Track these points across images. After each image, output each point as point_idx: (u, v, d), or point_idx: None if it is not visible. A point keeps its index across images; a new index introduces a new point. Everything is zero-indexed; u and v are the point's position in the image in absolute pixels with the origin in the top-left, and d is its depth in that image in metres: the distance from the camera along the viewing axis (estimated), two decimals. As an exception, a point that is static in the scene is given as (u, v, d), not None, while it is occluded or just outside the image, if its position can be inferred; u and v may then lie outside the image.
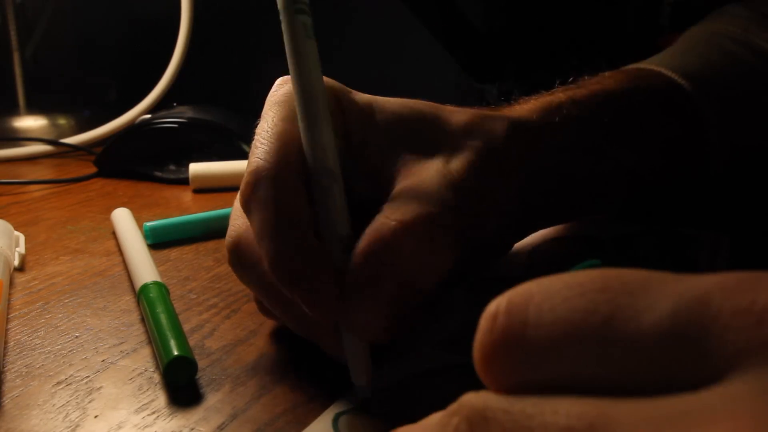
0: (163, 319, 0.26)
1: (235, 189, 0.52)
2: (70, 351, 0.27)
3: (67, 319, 0.29)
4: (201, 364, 0.25)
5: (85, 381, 0.24)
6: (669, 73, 0.35)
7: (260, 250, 0.23)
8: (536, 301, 0.12)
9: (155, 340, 0.25)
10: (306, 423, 0.22)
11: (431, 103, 0.29)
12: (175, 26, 0.70)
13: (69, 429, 0.22)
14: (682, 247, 0.35)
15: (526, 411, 0.12)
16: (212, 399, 0.23)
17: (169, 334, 0.25)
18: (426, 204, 0.24)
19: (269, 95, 0.27)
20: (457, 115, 0.28)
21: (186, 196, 0.51)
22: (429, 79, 0.81)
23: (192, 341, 0.27)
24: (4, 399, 0.23)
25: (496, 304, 0.13)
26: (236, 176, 0.53)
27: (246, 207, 0.24)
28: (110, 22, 0.91)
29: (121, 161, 0.57)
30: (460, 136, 0.27)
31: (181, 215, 0.41)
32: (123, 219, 0.40)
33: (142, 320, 0.29)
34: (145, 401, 0.23)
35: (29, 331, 0.28)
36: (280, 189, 0.23)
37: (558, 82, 0.34)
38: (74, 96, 0.83)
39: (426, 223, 0.23)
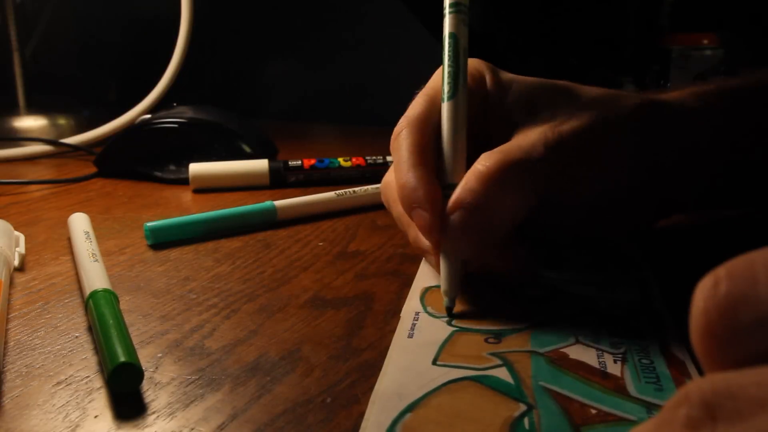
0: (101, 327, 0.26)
1: (235, 189, 0.52)
2: (70, 351, 0.27)
3: (67, 319, 0.29)
4: (201, 364, 0.25)
5: (85, 381, 0.24)
6: None
7: (395, 182, 0.30)
8: (762, 262, 0.12)
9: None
10: (306, 423, 0.22)
11: (571, 83, 0.33)
12: (175, 26, 0.70)
13: (69, 429, 0.22)
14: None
15: None
16: (212, 399, 0.23)
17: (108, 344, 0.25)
18: (512, 153, 0.29)
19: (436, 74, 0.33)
20: (593, 90, 0.33)
21: (186, 196, 0.51)
22: (429, 79, 0.81)
23: (192, 341, 0.27)
24: (4, 399, 0.23)
25: (713, 274, 0.12)
26: (236, 176, 0.53)
27: (391, 146, 0.31)
28: (110, 22, 0.91)
29: (121, 161, 0.57)
30: (583, 106, 0.31)
31: (181, 215, 0.41)
32: (78, 225, 0.39)
33: (142, 318, 0.29)
34: (145, 401, 0.23)
35: (29, 331, 0.28)
36: (415, 135, 0.30)
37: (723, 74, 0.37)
38: (74, 96, 0.83)
39: (506, 167, 0.28)
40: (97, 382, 0.24)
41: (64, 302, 0.31)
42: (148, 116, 0.60)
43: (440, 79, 0.31)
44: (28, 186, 0.54)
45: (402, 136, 0.30)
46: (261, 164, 0.53)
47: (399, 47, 0.84)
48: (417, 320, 0.28)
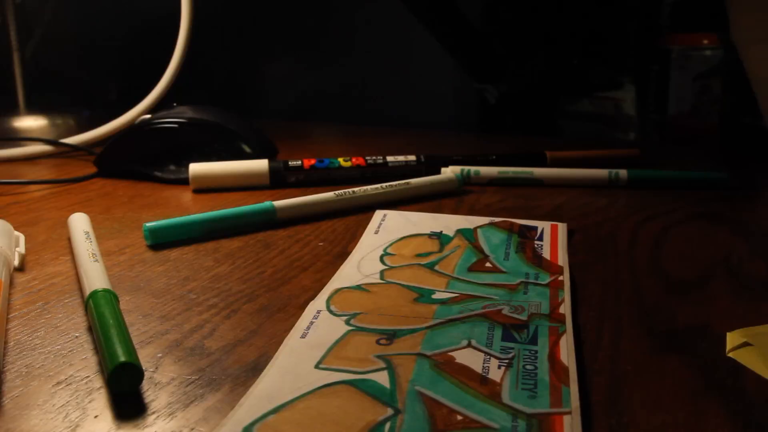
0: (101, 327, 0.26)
1: (235, 189, 0.52)
2: (70, 351, 0.27)
3: (67, 319, 0.29)
4: (201, 364, 0.25)
5: (85, 381, 0.24)
6: None
7: None
8: None
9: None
10: (306, 423, 0.22)
11: None
12: (175, 26, 0.70)
13: (69, 429, 0.22)
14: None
15: None
16: (212, 399, 0.23)
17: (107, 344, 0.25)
18: None
19: None
20: None
21: (186, 196, 0.51)
22: (429, 79, 0.82)
23: (192, 341, 0.27)
24: (4, 399, 0.23)
25: None
26: (236, 176, 0.53)
27: None
28: (110, 22, 0.91)
29: (121, 161, 0.57)
30: None
31: (181, 215, 0.41)
32: (78, 225, 0.39)
33: (142, 318, 0.29)
34: (145, 401, 0.23)
35: (29, 331, 0.28)
36: None
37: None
38: (74, 96, 0.83)
39: None
40: (97, 382, 0.24)
41: (64, 302, 0.31)
42: (148, 116, 0.60)
43: None
44: (28, 186, 0.54)
45: None
46: (261, 164, 0.53)
47: (399, 48, 0.84)
48: (316, 319, 0.28)
